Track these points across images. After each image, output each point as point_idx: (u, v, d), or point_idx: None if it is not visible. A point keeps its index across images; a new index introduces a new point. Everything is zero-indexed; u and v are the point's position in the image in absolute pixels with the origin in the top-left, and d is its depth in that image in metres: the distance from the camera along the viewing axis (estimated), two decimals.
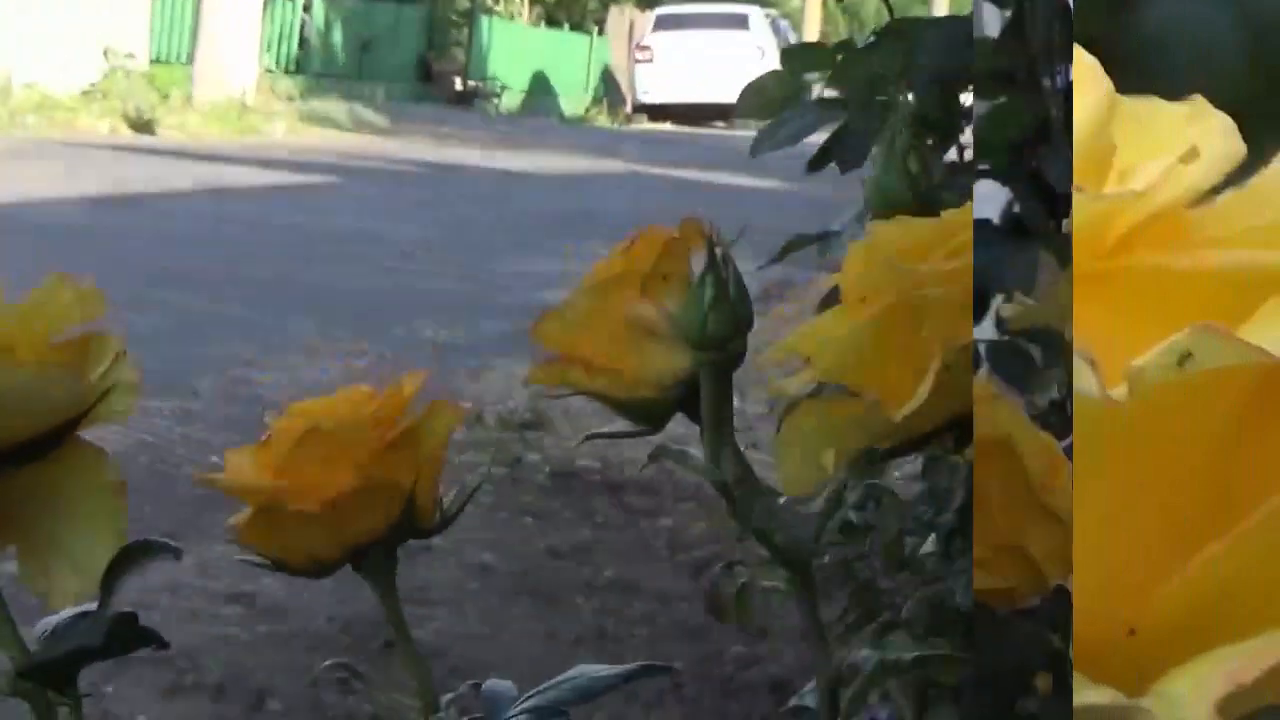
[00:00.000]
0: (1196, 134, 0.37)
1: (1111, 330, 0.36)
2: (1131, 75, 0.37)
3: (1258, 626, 0.35)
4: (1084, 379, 0.35)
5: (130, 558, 0.56)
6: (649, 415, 0.61)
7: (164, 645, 0.59)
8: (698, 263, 0.57)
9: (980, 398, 0.56)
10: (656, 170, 9.62)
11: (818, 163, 1.55)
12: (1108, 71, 0.37)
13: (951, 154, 1.53)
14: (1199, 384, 0.35)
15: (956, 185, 1.49)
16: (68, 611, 0.58)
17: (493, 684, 0.65)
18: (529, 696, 0.64)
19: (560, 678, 0.65)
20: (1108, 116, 0.37)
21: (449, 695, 0.65)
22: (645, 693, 1.91)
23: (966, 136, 1.54)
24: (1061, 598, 0.56)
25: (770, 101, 1.58)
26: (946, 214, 0.55)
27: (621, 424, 0.61)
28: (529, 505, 2.56)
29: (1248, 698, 0.35)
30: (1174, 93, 0.37)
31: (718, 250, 0.57)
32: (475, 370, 3.71)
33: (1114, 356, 0.35)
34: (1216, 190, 0.37)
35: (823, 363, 0.55)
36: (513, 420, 3.17)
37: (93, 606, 0.58)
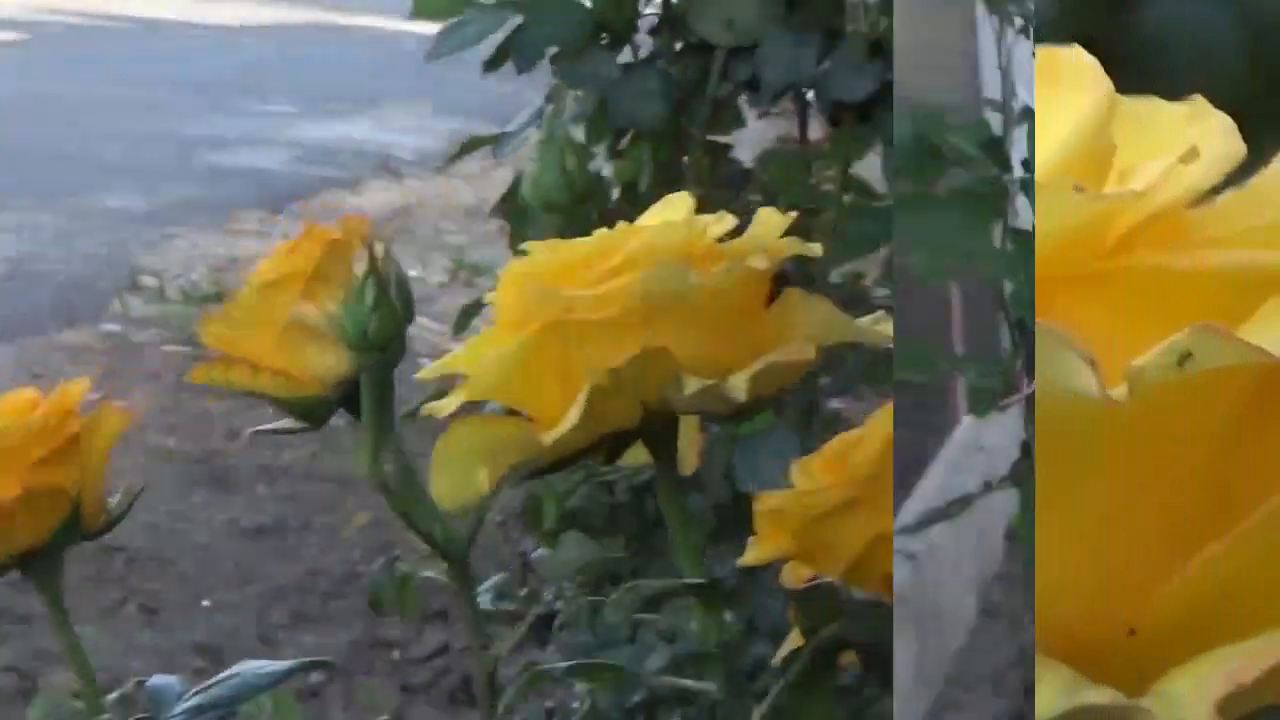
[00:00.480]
0: (1196, 134, 0.37)
1: (1111, 330, 0.36)
2: (1131, 75, 0.37)
3: (1258, 626, 0.35)
4: (1084, 379, 0.35)
5: None
6: (311, 413, 0.63)
7: None
8: (360, 263, 0.59)
9: None
10: (350, 20, 9.10)
11: (494, 63, 1.57)
12: (1108, 71, 0.37)
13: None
14: (1199, 384, 0.35)
15: (632, 87, 1.52)
16: None
17: (156, 681, 0.67)
18: (194, 694, 0.65)
19: (222, 675, 0.66)
20: (1108, 116, 0.37)
21: (113, 695, 0.66)
22: (323, 584, 1.87)
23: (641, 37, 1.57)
24: None
25: (449, 1, 1.59)
26: (598, 233, 0.55)
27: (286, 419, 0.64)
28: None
29: (1248, 698, 0.35)
30: (1174, 93, 0.37)
31: (378, 252, 0.58)
32: (157, 240, 3.59)
33: (1114, 356, 0.35)
34: (1216, 190, 0.37)
35: (477, 383, 0.56)
36: (196, 293, 3.09)
37: None
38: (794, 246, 0.56)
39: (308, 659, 0.71)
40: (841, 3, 1.47)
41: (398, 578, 0.64)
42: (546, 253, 0.55)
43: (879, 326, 0.58)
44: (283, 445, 2.27)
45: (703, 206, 0.57)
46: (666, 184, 1.46)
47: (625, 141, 1.58)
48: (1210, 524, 0.36)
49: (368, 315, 0.57)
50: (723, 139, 1.59)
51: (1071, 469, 0.35)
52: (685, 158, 1.57)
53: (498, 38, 1.54)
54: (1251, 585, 0.35)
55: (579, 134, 1.49)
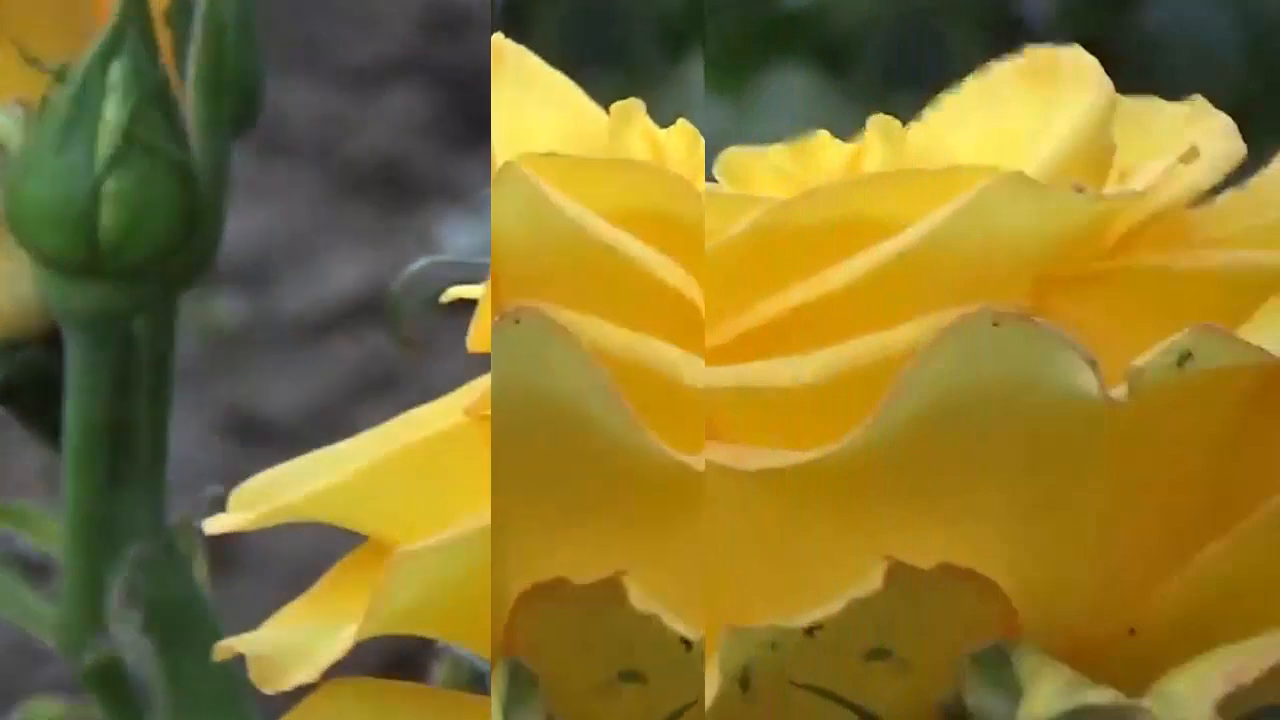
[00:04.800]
0: (1196, 134, 0.37)
1: (1111, 330, 0.36)
2: (1131, 75, 0.37)
3: (1258, 626, 0.35)
4: (1084, 379, 0.34)
5: None
6: None
7: None
8: None
9: None
10: None
11: None
12: (1108, 71, 0.37)
13: None
14: (1199, 384, 0.35)
15: None
16: None
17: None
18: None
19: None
20: (1108, 116, 0.37)
21: None
22: None
23: None
24: None
25: None
26: None
27: None
28: None
29: (1248, 698, 0.35)
30: (1174, 93, 0.37)
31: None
32: None
33: (1114, 356, 0.35)
34: (1216, 190, 0.37)
35: None
36: None
37: None
38: None
39: None
40: None
41: None
42: None
43: None
44: None
45: None
46: None
47: None
48: (1210, 524, 0.35)
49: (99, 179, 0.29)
50: None
51: (1071, 469, 0.35)
52: None
53: None
54: (1251, 585, 0.35)
55: None
